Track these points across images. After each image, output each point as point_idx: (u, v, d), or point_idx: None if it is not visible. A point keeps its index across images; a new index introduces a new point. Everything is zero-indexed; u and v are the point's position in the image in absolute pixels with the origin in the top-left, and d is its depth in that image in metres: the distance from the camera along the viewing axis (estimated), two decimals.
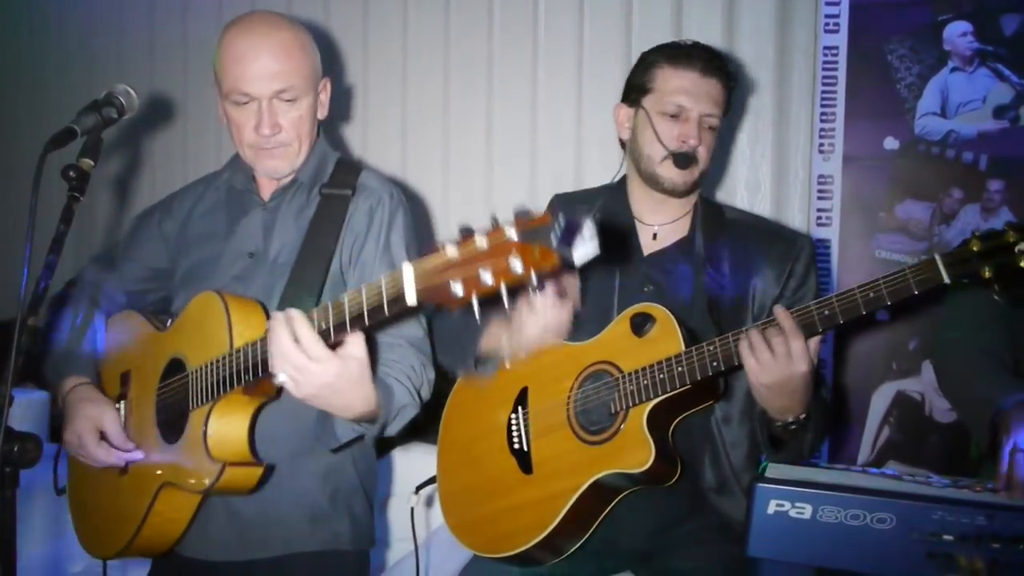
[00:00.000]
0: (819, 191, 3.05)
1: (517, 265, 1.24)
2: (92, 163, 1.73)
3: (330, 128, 3.63)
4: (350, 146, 3.64)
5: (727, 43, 3.12)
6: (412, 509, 2.31)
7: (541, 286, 1.28)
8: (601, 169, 3.10)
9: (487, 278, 1.26)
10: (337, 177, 2.08)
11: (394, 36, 3.55)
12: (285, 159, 2.03)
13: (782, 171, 3.12)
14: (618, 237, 2.13)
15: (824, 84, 3.03)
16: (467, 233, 1.30)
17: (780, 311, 1.80)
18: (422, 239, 2.10)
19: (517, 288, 1.26)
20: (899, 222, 3.00)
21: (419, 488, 2.35)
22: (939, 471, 2.89)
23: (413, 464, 2.92)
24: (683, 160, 2.08)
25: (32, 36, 4.19)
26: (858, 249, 3.03)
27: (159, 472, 1.92)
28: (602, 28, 3.26)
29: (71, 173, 1.68)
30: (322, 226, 2.00)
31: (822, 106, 3.04)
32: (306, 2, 3.67)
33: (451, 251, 1.30)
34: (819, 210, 3.06)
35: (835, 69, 3.02)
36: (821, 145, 3.04)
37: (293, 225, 2.06)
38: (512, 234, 1.25)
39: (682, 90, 2.08)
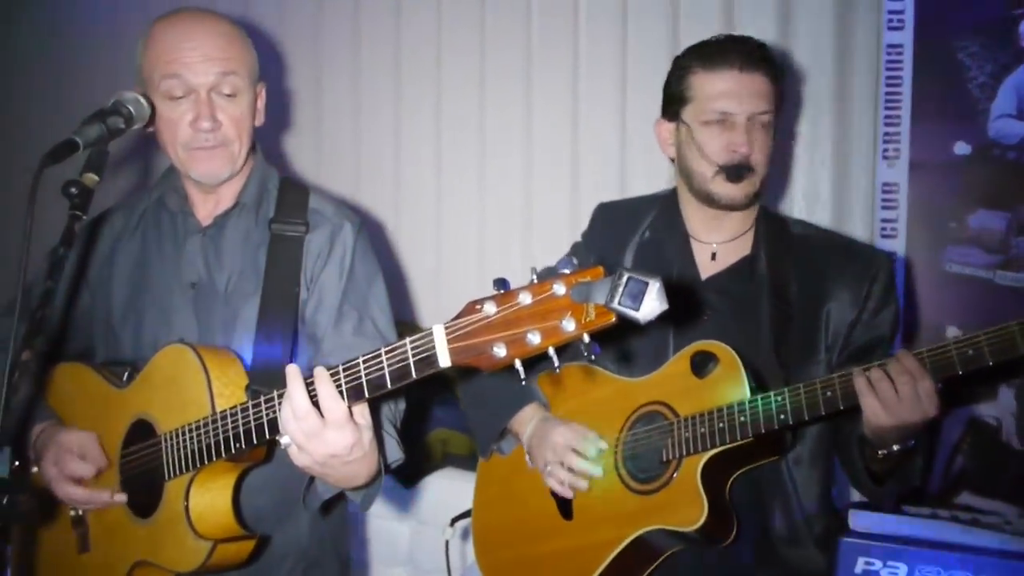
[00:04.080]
0: (883, 200, 2.91)
1: (569, 326, 1.15)
2: (96, 178, 1.57)
3: (364, 141, 3.52)
4: (382, 158, 3.52)
5: (782, 43, 2.99)
6: (447, 543, 2.29)
7: (595, 348, 1.17)
8: (646, 179, 3.05)
9: (535, 339, 1.17)
10: (285, 206, 1.92)
11: (427, 43, 3.44)
12: (224, 161, 1.85)
13: (843, 179, 2.99)
14: (684, 291, 2.00)
15: (888, 85, 2.88)
16: (504, 288, 1.21)
17: (902, 352, 1.68)
18: (385, 270, 2.00)
19: (565, 347, 1.18)
20: (972, 233, 2.83)
21: (455, 520, 2.29)
22: (1019, 503, 2.70)
23: (449, 492, 2.83)
24: (735, 172, 1.91)
25: (53, 36, 4.09)
26: (926, 263, 2.87)
27: (130, 551, 1.76)
28: (647, 30, 3.15)
29: (72, 190, 1.53)
30: (279, 269, 1.86)
31: (886, 109, 2.89)
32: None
33: (489, 308, 1.21)
34: (883, 221, 2.91)
35: (900, 69, 2.88)
36: (885, 151, 2.89)
37: (240, 253, 1.90)
38: (560, 289, 1.17)
39: (723, 94, 1.91)
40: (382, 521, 3.06)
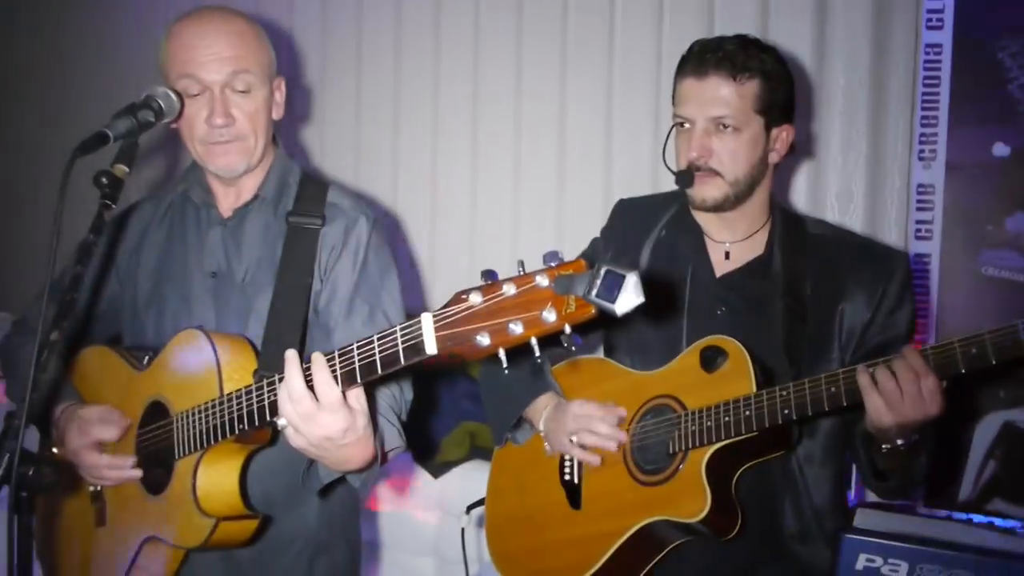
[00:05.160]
0: (918, 202, 2.88)
1: (551, 316, 1.17)
2: (127, 169, 1.62)
3: (402, 136, 3.56)
4: (421, 156, 3.56)
5: (818, 42, 2.96)
6: (463, 530, 2.28)
7: (576, 340, 1.20)
8: None
9: (517, 329, 1.19)
10: (304, 200, 1.95)
11: (464, 37, 3.47)
12: (240, 155, 1.89)
13: (877, 180, 2.94)
14: (667, 286, 2.01)
15: (925, 85, 2.86)
16: (492, 279, 1.23)
17: (908, 349, 1.67)
18: (400, 265, 2.02)
19: (548, 339, 1.20)
20: (1009, 236, 2.80)
21: (471, 508, 2.30)
22: None
23: (476, 483, 2.79)
24: (682, 178, 1.94)
25: (95, 28, 4.21)
26: (962, 266, 2.84)
27: (142, 526, 1.81)
28: (681, 28, 3.13)
29: (103, 180, 1.58)
30: (294, 261, 1.89)
31: (923, 109, 2.87)
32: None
33: (475, 298, 1.23)
34: (918, 222, 2.88)
35: (938, 69, 2.85)
36: (921, 152, 2.87)
37: (258, 245, 1.94)
38: (543, 281, 1.19)
39: (682, 100, 1.96)
40: (409, 511, 3.08)
